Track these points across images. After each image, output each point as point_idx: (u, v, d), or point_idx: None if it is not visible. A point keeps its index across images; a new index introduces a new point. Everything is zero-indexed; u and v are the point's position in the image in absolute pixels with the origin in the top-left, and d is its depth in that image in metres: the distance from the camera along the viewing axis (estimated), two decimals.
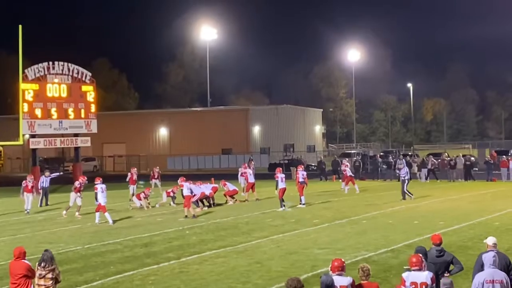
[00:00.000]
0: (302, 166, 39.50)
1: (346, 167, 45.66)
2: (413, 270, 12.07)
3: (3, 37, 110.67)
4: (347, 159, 56.78)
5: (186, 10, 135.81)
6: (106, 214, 30.21)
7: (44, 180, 40.65)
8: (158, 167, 46.73)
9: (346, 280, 11.78)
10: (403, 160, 52.66)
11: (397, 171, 44.59)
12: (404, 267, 12.84)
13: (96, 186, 30.58)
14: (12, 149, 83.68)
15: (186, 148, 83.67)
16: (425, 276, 12.00)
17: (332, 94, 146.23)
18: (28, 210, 36.36)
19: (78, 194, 33.68)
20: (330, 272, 11.90)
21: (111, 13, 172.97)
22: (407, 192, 38.08)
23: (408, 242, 22.61)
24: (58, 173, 39.18)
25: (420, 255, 12.44)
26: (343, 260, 12.09)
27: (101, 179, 31.62)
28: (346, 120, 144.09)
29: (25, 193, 37.17)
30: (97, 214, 30.55)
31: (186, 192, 32.15)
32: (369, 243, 23.06)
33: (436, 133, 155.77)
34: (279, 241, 24.06)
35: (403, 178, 38.45)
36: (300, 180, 35.57)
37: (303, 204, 35.28)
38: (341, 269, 11.88)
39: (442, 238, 14.25)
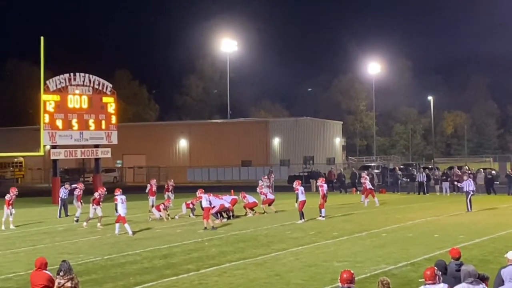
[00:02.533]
0: (324, 179, 39.45)
1: (366, 180, 45.55)
2: (428, 284, 12.01)
3: (25, 48, 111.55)
4: (366, 172, 56.61)
5: (207, 22, 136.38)
6: (126, 225, 30.27)
7: (64, 192, 40.74)
8: (172, 180, 46.68)
9: None
10: (467, 172, 52.71)
11: (459, 184, 44.53)
12: (420, 279, 12.76)
13: (116, 197, 30.65)
14: (33, 160, 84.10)
15: (206, 160, 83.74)
16: None
17: (352, 107, 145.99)
18: (77, 218, 36.65)
19: (95, 206, 33.76)
20: (339, 284, 11.88)
21: (132, 25, 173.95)
22: (469, 204, 38.15)
23: (428, 256, 22.48)
24: (77, 186, 39.20)
25: (435, 268, 12.37)
26: (352, 272, 12.05)
27: (121, 190, 31.72)
28: (366, 132, 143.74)
29: (78, 202, 37.89)
30: (117, 225, 30.61)
31: (205, 204, 32.16)
32: (388, 256, 22.96)
33: (456, 146, 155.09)
34: (299, 254, 24.00)
35: (467, 190, 38.46)
36: (325, 192, 35.59)
37: (323, 216, 35.21)
38: (350, 281, 11.84)
39: (461, 252, 14.17)
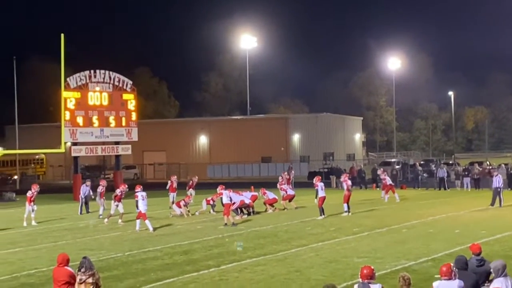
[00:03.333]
0: (349, 175, 39.38)
1: (386, 176, 45.45)
2: (443, 279, 11.97)
3: (46, 46, 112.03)
4: (382, 168, 56.45)
5: (226, 19, 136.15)
6: (147, 221, 30.38)
7: (85, 189, 40.89)
8: (196, 177, 46.73)
9: (375, 287, 11.75)
10: (498, 167, 52.56)
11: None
12: (436, 275, 12.74)
13: (136, 193, 30.78)
14: (54, 157, 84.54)
15: (226, 156, 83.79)
16: (457, 285, 11.91)
17: (372, 102, 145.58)
18: (101, 215, 36.85)
19: (117, 202, 33.89)
20: (360, 280, 11.88)
21: (151, 22, 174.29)
22: (501, 199, 38.17)
23: (449, 251, 22.42)
24: (102, 186, 39.34)
25: (451, 264, 12.34)
26: (372, 267, 12.04)
27: (141, 186, 31.83)
28: (386, 128, 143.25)
29: (101, 199, 38.23)
30: (138, 221, 30.73)
31: (225, 200, 32.22)
32: (409, 252, 22.92)
33: (477, 141, 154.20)
34: (319, 250, 24.01)
35: (496, 186, 38.46)
36: (349, 188, 35.54)
37: (347, 211, 35.12)
38: (370, 277, 11.83)
39: (481, 247, 14.12)
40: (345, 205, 35.28)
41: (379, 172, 51.18)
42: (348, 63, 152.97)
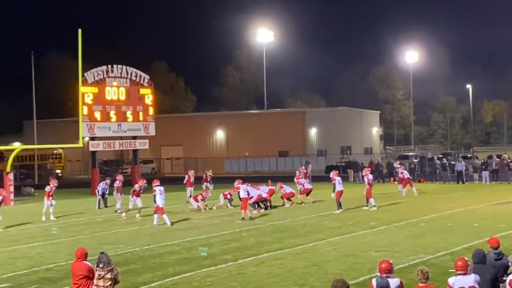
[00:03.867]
0: (370, 169, 39.30)
1: (403, 170, 45.32)
2: (459, 274, 11.92)
3: (63, 41, 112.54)
4: (398, 162, 56.25)
5: (243, 13, 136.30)
6: (164, 216, 30.45)
7: (104, 186, 40.92)
8: (211, 170, 46.84)
9: (394, 282, 11.71)
10: None
11: None
12: (450, 270, 12.68)
13: (154, 188, 30.84)
14: (72, 152, 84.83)
15: (243, 151, 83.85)
16: (473, 279, 11.86)
17: (390, 96, 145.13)
18: (118, 209, 37.07)
19: (135, 197, 33.98)
20: (378, 274, 11.84)
21: (168, 16, 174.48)
22: None
23: (468, 245, 22.32)
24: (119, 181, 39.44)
25: (466, 258, 12.29)
26: (391, 261, 12.01)
27: (159, 181, 31.92)
28: (404, 122, 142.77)
29: (118, 193, 38.42)
30: (156, 216, 30.80)
31: (243, 194, 32.24)
32: (427, 246, 22.85)
33: (496, 135, 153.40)
34: (336, 243, 23.99)
35: None
36: (370, 182, 35.43)
37: (374, 206, 34.97)
38: (388, 271, 11.80)
39: (499, 241, 14.06)
40: (371, 200, 35.12)
41: (395, 165, 51.04)
42: (366, 57, 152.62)
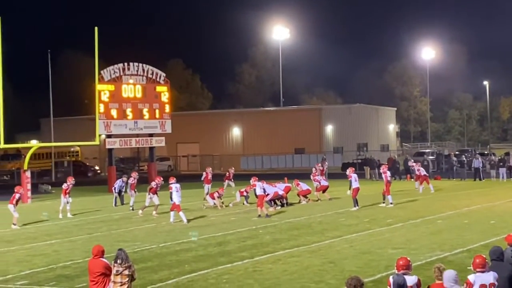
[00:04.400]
0: (387, 166, 39.24)
1: (420, 167, 45.20)
2: (478, 271, 11.86)
3: (79, 39, 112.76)
4: (412, 160, 56.04)
5: (259, 10, 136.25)
6: (181, 213, 30.49)
7: (121, 184, 40.98)
8: (233, 168, 46.90)
9: (411, 279, 11.68)
10: None
11: None
12: (468, 267, 12.62)
13: (170, 185, 30.90)
14: (89, 149, 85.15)
15: (259, 148, 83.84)
16: (493, 276, 11.81)
17: (406, 93, 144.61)
18: (132, 207, 37.16)
19: (152, 194, 34.06)
20: (396, 271, 11.82)
21: (184, 14, 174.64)
22: None
23: (485, 242, 22.24)
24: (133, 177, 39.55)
25: (483, 256, 12.23)
26: (408, 259, 11.98)
27: (175, 178, 31.99)
28: (421, 119, 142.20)
29: (131, 191, 38.55)
30: (172, 213, 30.86)
31: (259, 192, 32.24)
32: (444, 243, 22.78)
33: None
34: (353, 241, 23.95)
35: None
36: (388, 179, 35.31)
37: (391, 203, 34.91)
38: (406, 268, 11.77)
39: None
40: (389, 197, 35.03)
41: (410, 163, 50.89)
42: (382, 54, 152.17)
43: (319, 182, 39.83)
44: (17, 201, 31.55)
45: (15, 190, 31.83)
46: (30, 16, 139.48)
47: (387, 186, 35.07)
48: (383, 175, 36.10)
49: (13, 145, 66.29)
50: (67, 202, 34.94)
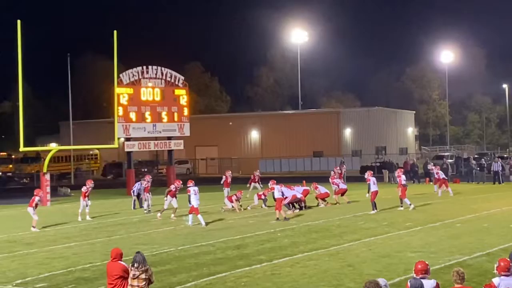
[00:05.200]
0: (403, 170, 39.15)
1: (439, 170, 45.03)
2: (503, 275, 11.79)
3: (98, 42, 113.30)
4: (431, 163, 55.78)
5: (277, 13, 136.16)
6: (199, 216, 30.54)
7: (139, 187, 40.86)
8: (258, 171, 46.80)
9: (430, 283, 11.63)
10: None
11: None
12: (493, 271, 12.54)
13: (189, 188, 30.96)
14: (108, 152, 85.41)
15: (278, 151, 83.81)
16: None
17: (425, 96, 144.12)
18: (148, 209, 37.43)
19: (171, 198, 34.11)
20: (414, 275, 11.78)
21: (202, 17, 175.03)
22: None
23: (504, 246, 22.16)
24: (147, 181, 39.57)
25: (508, 259, 12.16)
26: (427, 263, 11.94)
27: (193, 181, 32.04)
28: (439, 122, 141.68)
29: (145, 193, 38.67)
30: (190, 216, 30.91)
31: (277, 195, 32.23)
32: (463, 247, 22.69)
33: None
34: (371, 244, 23.90)
35: None
36: (403, 182, 35.19)
37: (411, 205, 34.69)
38: (424, 272, 11.73)
39: None
40: (406, 200, 34.90)
41: (429, 167, 50.70)
42: (401, 57, 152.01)
43: (338, 185, 39.76)
44: (36, 204, 31.69)
45: (35, 193, 31.96)
46: (49, 20, 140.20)
47: (402, 190, 34.96)
48: (397, 179, 36.02)
49: (33, 148, 66.55)
50: (86, 205, 35.06)
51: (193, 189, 30.79)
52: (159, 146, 56.57)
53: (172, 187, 34.80)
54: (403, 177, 35.86)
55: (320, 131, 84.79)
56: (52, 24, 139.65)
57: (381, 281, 11.08)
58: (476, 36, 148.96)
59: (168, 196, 34.32)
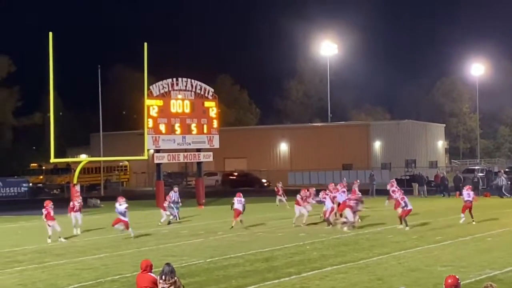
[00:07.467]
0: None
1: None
2: None
3: (129, 54, 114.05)
4: (462, 176, 55.10)
5: (307, 26, 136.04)
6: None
7: (174, 195, 40.13)
8: (281, 182, 46.68)
9: None
10: None
11: None
12: None
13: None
14: (137, 164, 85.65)
15: (307, 163, 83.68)
16: None
17: (455, 109, 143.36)
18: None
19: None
20: None
21: (232, 30, 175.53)
22: None
23: None
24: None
25: None
26: (457, 277, 11.83)
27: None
28: (470, 135, 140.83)
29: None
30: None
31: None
32: (494, 261, 22.49)
33: None
34: (401, 258, 23.77)
35: None
36: (399, 199, 33.97)
37: (407, 227, 32.49)
38: (455, 286, 11.62)
39: None
40: (403, 220, 33.51)
41: (388, 186, 46.07)
42: (431, 69, 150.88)
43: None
44: (45, 215, 31.56)
45: (44, 205, 31.93)
46: (80, 32, 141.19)
47: (404, 211, 33.04)
48: (391, 194, 35.72)
49: (63, 159, 67.03)
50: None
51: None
52: (188, 158, 56.69)
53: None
54: (397, 194, 34.82)
55: (349, 143, 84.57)
56: (83, 36, 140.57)
57: None
58: (506, 49, 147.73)
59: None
